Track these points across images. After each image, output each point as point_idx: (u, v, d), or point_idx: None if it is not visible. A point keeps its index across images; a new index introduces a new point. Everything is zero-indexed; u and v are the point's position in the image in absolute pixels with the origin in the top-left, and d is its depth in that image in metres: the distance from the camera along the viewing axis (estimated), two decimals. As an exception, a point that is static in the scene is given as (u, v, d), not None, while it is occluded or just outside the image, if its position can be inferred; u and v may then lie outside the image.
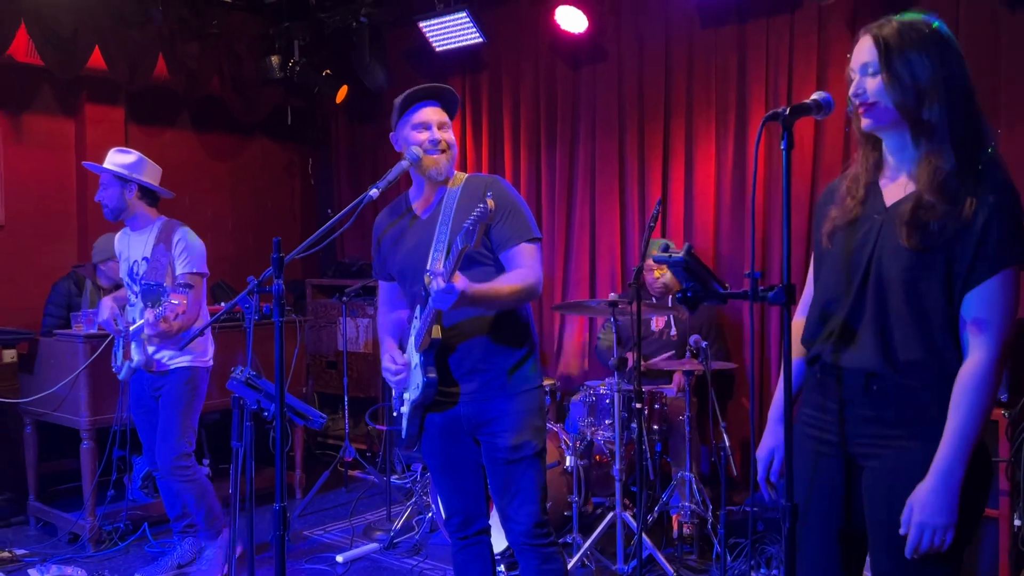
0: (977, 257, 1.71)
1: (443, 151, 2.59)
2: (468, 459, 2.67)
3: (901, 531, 1.76)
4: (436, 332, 2.48)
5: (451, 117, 2.68)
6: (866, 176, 1.91)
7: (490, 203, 2.18)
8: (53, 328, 4.62)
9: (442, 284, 2.23)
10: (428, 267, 2.54)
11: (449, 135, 2.63)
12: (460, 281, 2.26)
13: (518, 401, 2.57)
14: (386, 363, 2.68)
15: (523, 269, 2.52)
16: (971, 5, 3.92)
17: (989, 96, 3.88)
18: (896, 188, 1.86)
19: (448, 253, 2.41)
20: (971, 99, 1.78)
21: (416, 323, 2.57)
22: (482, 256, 2.56)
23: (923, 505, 1.73)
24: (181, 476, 3.81)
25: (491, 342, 2.56)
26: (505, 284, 2.47)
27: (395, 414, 2.74)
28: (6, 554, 4.18)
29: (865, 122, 1.83)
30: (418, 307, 2.57)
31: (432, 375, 2.52)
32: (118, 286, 4.82)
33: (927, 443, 1.75)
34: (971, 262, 1.72)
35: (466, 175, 2.70)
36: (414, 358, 2.57)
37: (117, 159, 3.86)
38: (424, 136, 2.59)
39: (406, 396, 2.65)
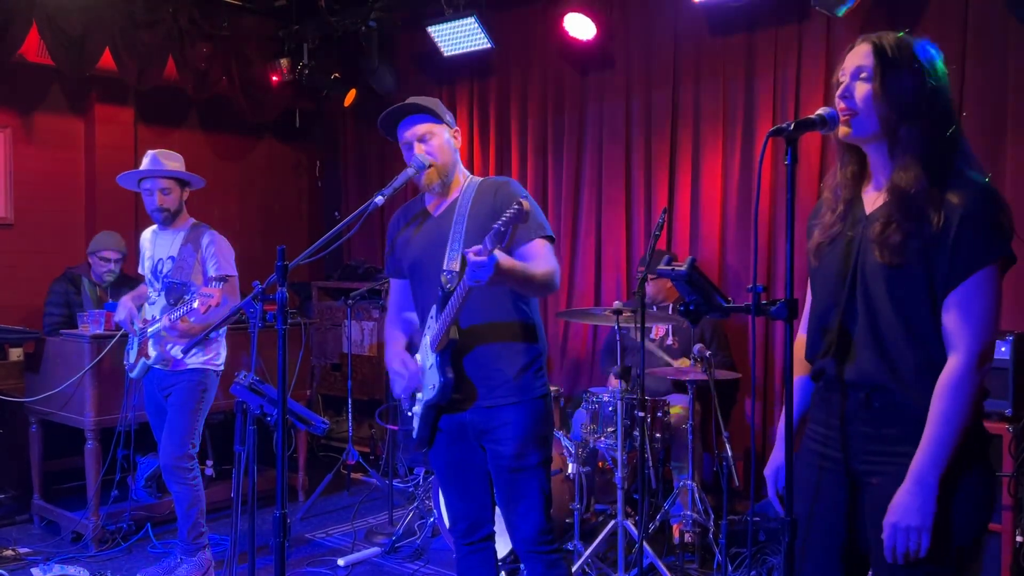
0: (952, 264, 1.72)
1: (429, 165, 2.58)
2: (474, 465, 2.68)
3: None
4: (454, 332, 2.49)
5: (440, 119, 2.63)
6: (847, 189, 1.92)
7: (524, 204, 2.18)
8: (56, 327, 4.63)
9: (483, 258, 2.18)
10: (444, 266, 2.54)
11: (428, 145, 2.60)
12: (496, 252, 2.22)
13: (523, 410, 2.57)
14: (396, 366, 2.66)
15: (542, 260, 2.51)
16: (979, 16, 3.90)
17: (996, 107, 3.88)
18: (875, 199, 1.87)
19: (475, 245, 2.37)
20: (952, 126, 1.79)
21: (432, 323, 2.57)
22: None
23: (895, 507, 1.74)
24: (181, 477, 3.82)
25: (497, 349, 2.57)
26: (536, 267, 2.46)
27: (408, 414, 2.72)
28: (10, 552, 4.20)
29: (845, 131, 1.84)
30: (434, 307, 2.57)
31: (450, 375, 2.53)
32: (111, 282, 4.86)
33: None
34: (947, 270, 1.72)
35: (479, 177, 2.71)
36: (429, 359, 2.58)
37: (173, 164, 3.82)
38: (410, 155, 2.61)
39: (419, 396, 2.65)
